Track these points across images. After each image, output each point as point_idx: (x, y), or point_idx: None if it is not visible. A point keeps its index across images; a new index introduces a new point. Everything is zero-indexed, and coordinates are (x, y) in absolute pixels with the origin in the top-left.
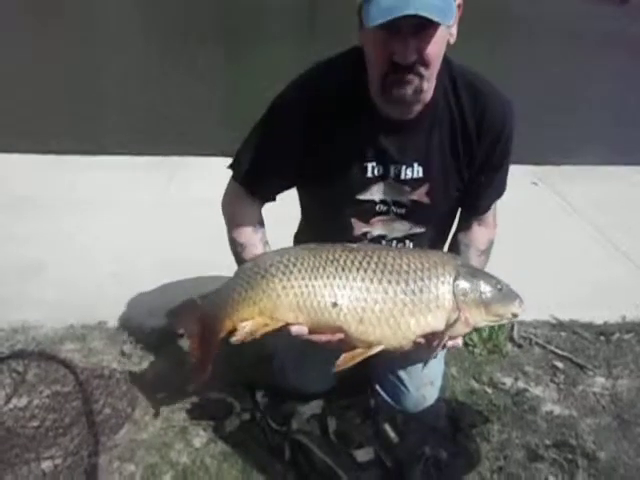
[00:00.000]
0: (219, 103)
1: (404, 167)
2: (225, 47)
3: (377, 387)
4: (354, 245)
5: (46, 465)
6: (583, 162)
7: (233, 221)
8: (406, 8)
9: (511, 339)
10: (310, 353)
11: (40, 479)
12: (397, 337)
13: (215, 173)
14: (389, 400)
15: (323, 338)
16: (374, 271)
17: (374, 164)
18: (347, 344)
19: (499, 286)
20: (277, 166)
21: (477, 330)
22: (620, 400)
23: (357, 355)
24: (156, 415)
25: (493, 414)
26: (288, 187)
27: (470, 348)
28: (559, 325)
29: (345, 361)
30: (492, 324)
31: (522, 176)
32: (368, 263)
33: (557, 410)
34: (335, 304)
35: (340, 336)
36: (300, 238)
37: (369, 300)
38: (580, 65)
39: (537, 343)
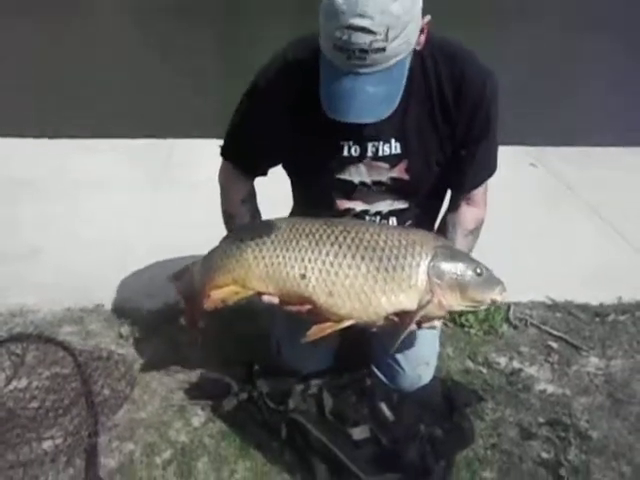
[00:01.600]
0: (215, 84)
1: (381, 143)
2: (221, 27)
3: (373, 367)
4: (336, 220)
5: (47, 445)
6: (581, 143)
7: (223, 194)
8: (346, 114)
9: (507, 320)
10: (305, 334)
11: (41, 458)
12: (367, 313)
13: (211, 155)
14: (385, 380)
15: (293, 309)
16: (349, 246)
17: (350, 143)
18: (319, 316)
19: (478, 270)
20: (259, 142)
21: (473, 312)
22: (614, 380)
23: (327, 327)
24: (154, 395)
25: (487, 393)
26: (274, 163)
27: (466, 329)
28: (555, 306)
29: (315, 332)
30: (470, 309)
31: (520, 157)
32: (344, 238)
33: (551, 389)
34: (304, 276)
35: (308, 307)
36: None
37: (340, 274)
38: (578, 47)
39: (532, 324)
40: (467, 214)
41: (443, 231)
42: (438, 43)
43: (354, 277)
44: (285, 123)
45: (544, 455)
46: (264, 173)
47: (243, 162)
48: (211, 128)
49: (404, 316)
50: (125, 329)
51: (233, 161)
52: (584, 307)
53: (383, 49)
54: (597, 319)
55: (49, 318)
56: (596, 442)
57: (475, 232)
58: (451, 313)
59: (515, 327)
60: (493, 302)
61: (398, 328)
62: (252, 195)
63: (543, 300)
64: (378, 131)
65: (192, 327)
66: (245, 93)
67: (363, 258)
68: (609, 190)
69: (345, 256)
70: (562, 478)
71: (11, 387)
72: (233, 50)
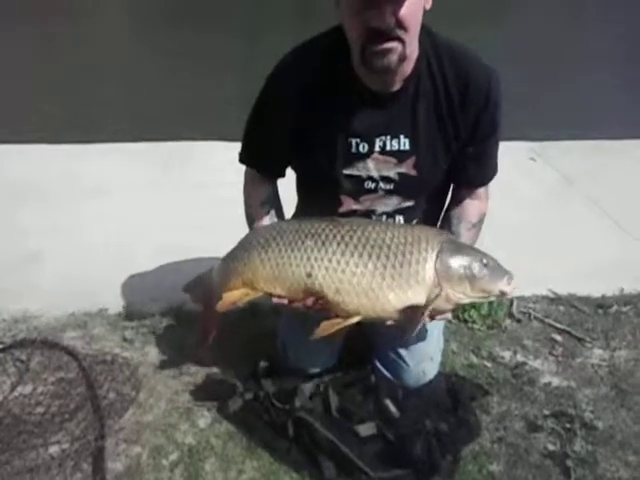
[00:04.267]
0: (216, 87)
1: (389, 138)
2: (223, 30)
3: (377, 364)
4: (342, 219)
5: (53, 450)
6: (581, 137)
7: (245, 197)
8: None
9: (510, 314)
10: (310, 333)
11: (48, 464)
12: (375, 309)
13: (212, 157)
14: (389, 376)
15: (300, 306)
16: (355, 245)
17: (358, 140)
18: (329, 313)
19: (485, 261)
20: (274, 144)
21: (474, 307)
22: (618, 370)
23: (335, 324)
24: (160, 397)
25: (492, 387)
26: (289, 163)
27: (469, 324)
28: (557, 299)
29: (323, 329)
30: (480, 300)
31: (520, 152)
32: (350, 237)
33: (555, 382)
34: (310, 274)
35: (317, 302)
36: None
37: (347, 272)
38: (579, 37)
39: (536, 317)
40: (470, 207)
41: (446, 224)
42: (443, 44)
43: (361, 275)
44: (297, 125)
45: (550, 447)
46: (282, 174)
47: (259, 165)
48: (213, 130)
49: (413, 311)
50: (129, 332)
51: (250, 165)
52: (586, 299)
53: None
54: (600, 311)
55: (53, 323)
56: (602, 433)
57: (478, 225)
58: (457, 307)
59: (518, 321)
60: (502, 293)
61: (407, 323)
62: (272, 198)
63: (546, 293)
64: (387, 126)
65: (205, 333)
66: (257, 99)
67: (370, 256)
68: (610, 182)
69: (352, 254)
70: (569, 469)
71: (16, 393)
72: (237, 52)
